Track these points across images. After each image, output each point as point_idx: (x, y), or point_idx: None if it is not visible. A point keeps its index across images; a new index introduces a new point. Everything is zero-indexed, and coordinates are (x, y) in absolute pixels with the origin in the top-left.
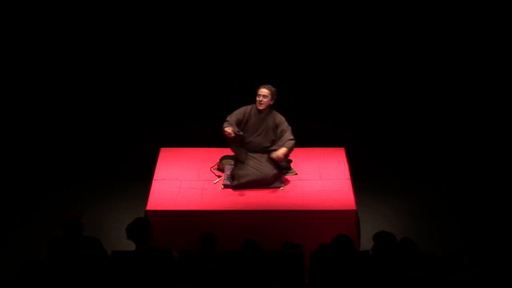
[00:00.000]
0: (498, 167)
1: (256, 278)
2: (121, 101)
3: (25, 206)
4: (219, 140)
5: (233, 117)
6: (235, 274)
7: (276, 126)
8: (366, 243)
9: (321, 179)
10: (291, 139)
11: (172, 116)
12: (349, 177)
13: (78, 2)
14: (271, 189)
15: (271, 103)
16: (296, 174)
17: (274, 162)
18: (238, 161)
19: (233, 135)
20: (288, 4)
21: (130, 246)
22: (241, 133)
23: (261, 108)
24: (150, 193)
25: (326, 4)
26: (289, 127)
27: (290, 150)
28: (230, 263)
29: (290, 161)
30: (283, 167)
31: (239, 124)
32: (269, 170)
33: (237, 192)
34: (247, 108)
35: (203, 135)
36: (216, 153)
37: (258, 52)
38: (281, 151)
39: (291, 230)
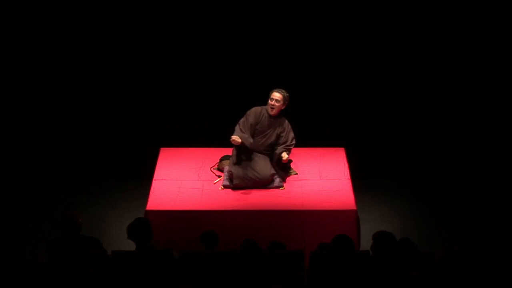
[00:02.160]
0: (498, 167)
1: (256, 278)
2: (121, 101)
3: (25, 206)
4: (219, 140)
5: (246, 123)
6: (235, 274)
7: (281, 133)
8: (366, 243)
9: (321, 179)
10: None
11: (172, 116)
12: (349, 177)
13: (78, 2)
14: (271, 189)
15: (283, 107)
16: (296, 174)
17: (271, 162)
18: (235, 162)
19: (239, 141)
20: (288, 4)
21: (130, 246)
22: (250, 140)
23: (272, 113)
24: (150, 193)
25: (326, 4)
26: (291, 134)
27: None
28: (230, 263)
29: (290, 161)
30: (283, 167)
31: (251, 127)
32: (266, 172)
33: (237, 192)
34: (257, 109)
35: (203, 135)
36: (216, 153)
37: (258, 52)
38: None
39: (291, 230)
